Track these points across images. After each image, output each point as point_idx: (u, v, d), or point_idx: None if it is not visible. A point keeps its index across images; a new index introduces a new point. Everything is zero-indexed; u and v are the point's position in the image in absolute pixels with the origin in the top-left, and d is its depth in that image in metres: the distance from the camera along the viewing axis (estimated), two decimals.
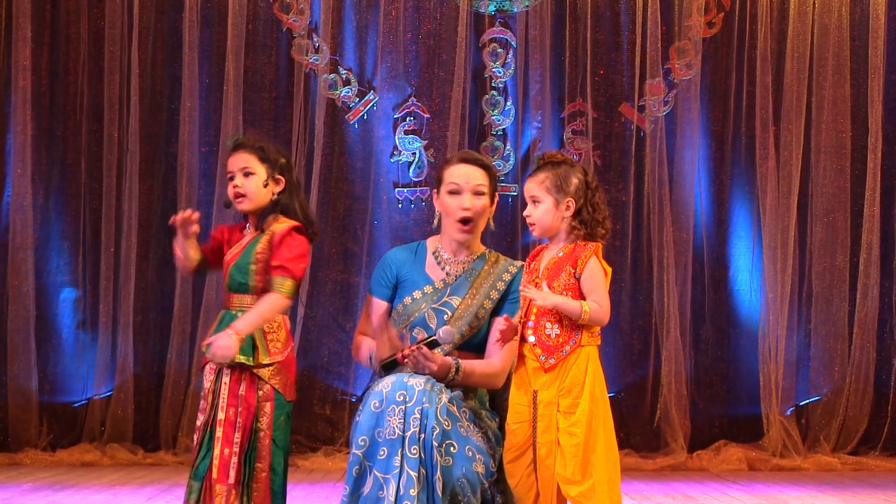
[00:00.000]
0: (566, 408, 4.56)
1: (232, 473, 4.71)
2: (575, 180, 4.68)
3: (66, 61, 8.90)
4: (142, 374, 8.83)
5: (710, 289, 9.09)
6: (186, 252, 4.89)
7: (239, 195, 4.88)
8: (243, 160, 4.90)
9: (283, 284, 4.80)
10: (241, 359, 4.75)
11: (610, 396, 8.76)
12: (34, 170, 8.82)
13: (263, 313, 4.78)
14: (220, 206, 8.48)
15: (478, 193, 5.00)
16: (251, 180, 4.89)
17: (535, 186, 4.71)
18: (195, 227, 4.85)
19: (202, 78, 8.93)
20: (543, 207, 4.70)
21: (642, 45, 9.02)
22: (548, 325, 4.63)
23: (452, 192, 5.01)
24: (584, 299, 4.62)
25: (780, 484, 7.86)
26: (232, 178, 4.90)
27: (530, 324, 4.67)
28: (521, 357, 4.71)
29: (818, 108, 9.10)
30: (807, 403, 9.05)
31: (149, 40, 8.91)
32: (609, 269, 4.68)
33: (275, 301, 4.80)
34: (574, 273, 4.61)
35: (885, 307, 9.13)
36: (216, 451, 4.72)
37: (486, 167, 5.02)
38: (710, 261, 9.09)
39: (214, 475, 4.70)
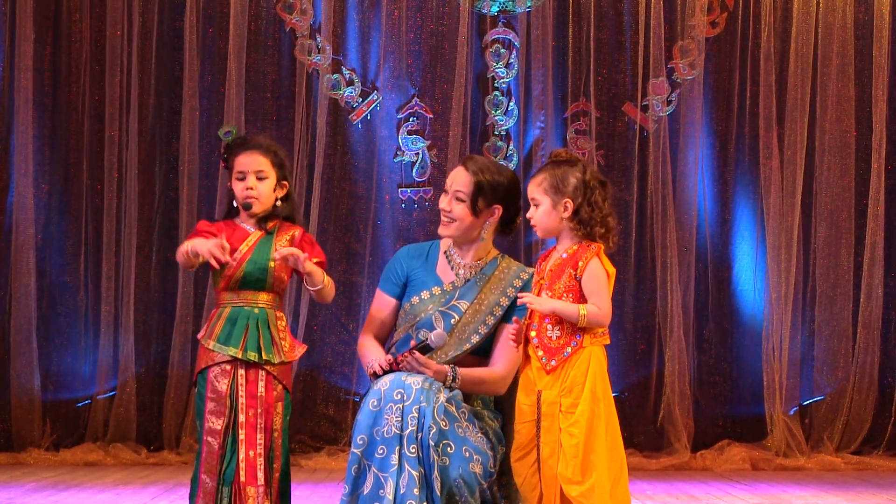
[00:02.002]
0: (567, 408, 4.56)
1: (260, 475, 4.73)
2: (573, 180, 4.66)
3: (68, 61, 8.91)
4: (144, 374, 8.84)
5: (713, 288, 9.08)
6: (197, 257, 4.82)
7: (251, 197, 4.88)
8: (258, 162, 4.90)
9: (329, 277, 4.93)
10: (268, 357, 4.79)
11: (613, 396, 8.80)
12: (37, 169, 8.83)
13: (325, 280, 4.88)
14: (222, 205, 8.48)
15: (458, 200, 5.03)
16: (264, 184, 4.90)
17: (534, 188, 4.71)
18: (221, 261, 4.78)
19: (204, 78, 8.93)
20: (542, 209, 4.70)
21: (645, 44, 9.01)
22: (549, 327, 4.62)
23: (444, 191, 5.08)
24: (585, 301, 4.61)
25: (783, 483, 7.85)
26: (242, 178, 4.90)
27: (534, 325, 4.67)
28: (526, 357, 4.71)
29: (822, 108, 9.08)
30: (810, 403, 9.04)
31: (151, 40, 8.91)
32: (612, 271, 4.66)
33: (332, 285, 4.92)
34: (575, 275, 4.61)
35: (890, 306, 9.12)
36: (241, 454, 4.73)
37: (472, 174, 5.02)
38: (713, 260, 9.09)
39: (243, 478, 4.72)
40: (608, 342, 4.68)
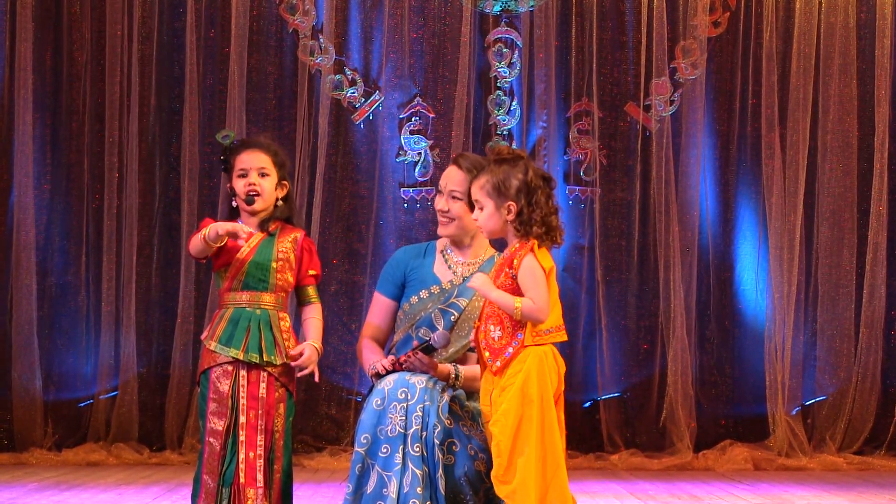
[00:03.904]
0: (498, 406, 4.53)
1: (260, 477, 4.74)
2: (515, 182, 4.58)
3: (69, 61, 8.91)
4: (146, 374, 8.84)
5: (715, 289, 9.08)
6: (214, 242, 4.79)
7: (254, 193, 4.90)
8: (261, 160, 4.92)
9: (317, 294, 5.05)
10: (270, 358, 4.80)
11: (615, 396, 8.89)
12: (38, 170, 8.84)
13: (322, 325, 5.01)
14: (224, 205, 8.49)
15: (454, 198, 5.03)
16: (266, 181, 4.92)
17: (477, 191, 4.65)
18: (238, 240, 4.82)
19: (206, 78, 8.93)
20: (486, 212, 4.64)
21: (648, 44, 9.01)
22: (491, 327, 4.57)
23: (438, 192, 5.08)
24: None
25: (785, 484, 7.85)
26: (244, 175, 4.91)
27: (482, 327, 4.64)
28: (482, 361, 4.67)
29: (824, 108, 9.08)
30: (812, 403, 9.04)
31: (152, 40, 8.91)
32: (549, 265, 4.56)
33: (321, 311, 5.05)
34: (511, 273, 4.57)
35: (892, 306, 9.11)
36: (241, 455, 4.74)
37: (466, 172, 5.02)
38: (715, 260, 9.09)
39: (242, 480, 4.73)
40: (561, 339, 4.58)
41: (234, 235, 4.73)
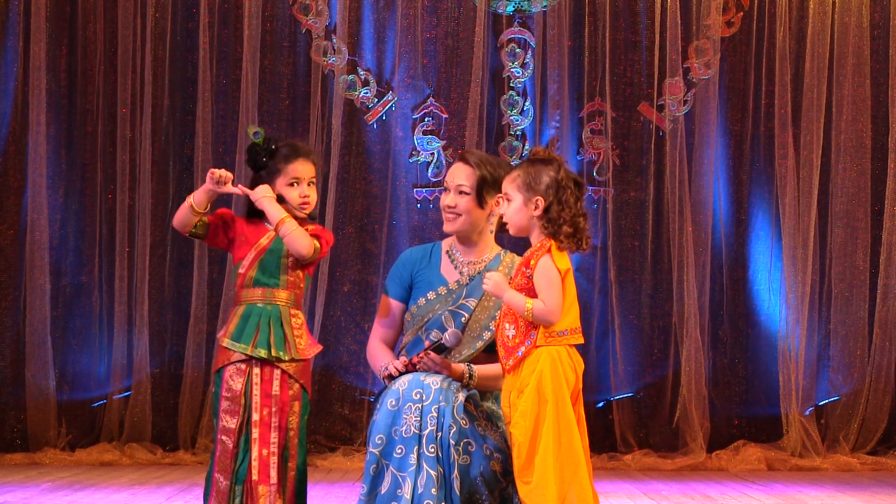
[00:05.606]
0: (516, 408, 4.55)
1: (273, 474, 4.76)
2: (546, 178, 4.62)
3: (83, 62, 8.92)
4: (159, 375, 8.85)
5: (729, 289, 9.07)
6: (200, 205, 4.88)
7: (306, 204, 4.96)
8: (311, 171, 5.00)
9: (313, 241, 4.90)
10: (278, 354, 4.82)
11: (629, 396, 8.88)
12: (52, 170, 8.85)
13: (285, 217, 4.86)
14: (238, 204, 8.48)
15: (460, 193, 5.05)
16: (312, 190, 5.00)
17: (508, 184, 4.69)
18: (226, 189, 4.87)
19: (219, 78, 8.94)
20: (514, 205, 4.67)
21: (661, 44, 9.00)
22: (507, 325, 4.60)
23: (444, 189, 5.12)
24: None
25: (798, 484, 7.84)
26: (295, 184, 4.96)
27: (500, 325, 4.65)
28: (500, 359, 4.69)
29: (838, 108, 9.07)
30: (826, 403, 9.02)
31: (165, 41, 8.92)
32: (564, 268, 4.58)
33: (302, 231, 4.86)
34: (528, 273, 4.59)
35: None
36: (254, 453, 4.76)
37: (474, 167, 5.04)
38: (729, 261, 9.07)
39: (255, 477, 4.75)
40: (576, 342, 4.60)
41: (219, 182, 4.83)
